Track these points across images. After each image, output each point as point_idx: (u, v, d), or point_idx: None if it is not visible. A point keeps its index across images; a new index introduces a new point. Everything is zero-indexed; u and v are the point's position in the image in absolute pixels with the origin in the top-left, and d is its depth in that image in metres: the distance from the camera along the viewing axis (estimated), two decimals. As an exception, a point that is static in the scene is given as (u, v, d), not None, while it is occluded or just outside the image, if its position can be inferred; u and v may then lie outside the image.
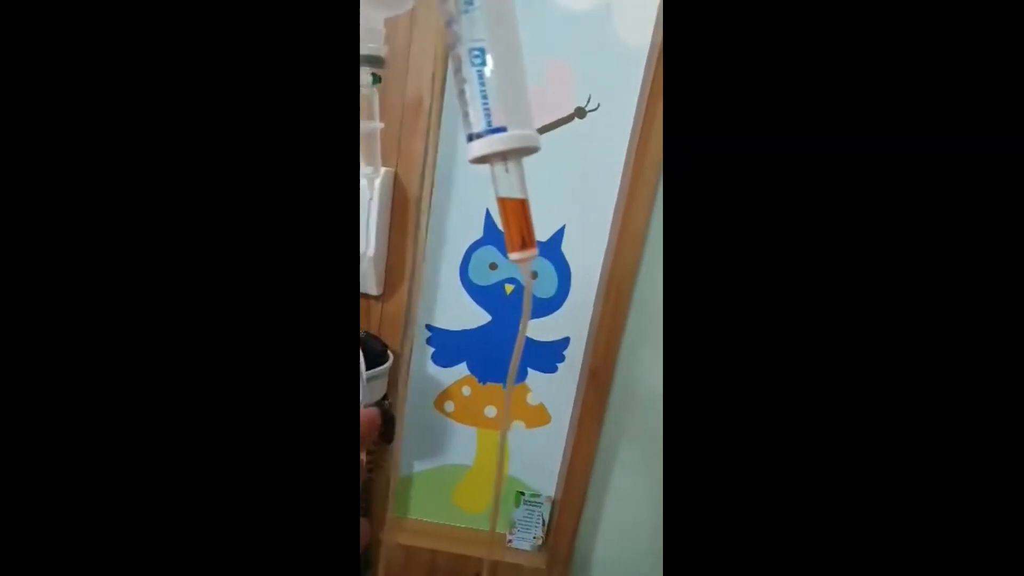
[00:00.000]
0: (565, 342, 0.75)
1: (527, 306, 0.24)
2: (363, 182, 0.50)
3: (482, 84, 0.21)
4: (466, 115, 0.22)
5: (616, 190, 0.68)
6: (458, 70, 0.21)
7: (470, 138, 0.22)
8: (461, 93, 0.21)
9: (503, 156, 0.22)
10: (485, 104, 0.21)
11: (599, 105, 0.66)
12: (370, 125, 0.33)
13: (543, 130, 0.67)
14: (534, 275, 0.72)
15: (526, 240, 0.23)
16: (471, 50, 0.20)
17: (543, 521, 0.79)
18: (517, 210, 0.23)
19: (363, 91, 0.30)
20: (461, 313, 0.74)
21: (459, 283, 0.73)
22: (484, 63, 0.21)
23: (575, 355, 0.75)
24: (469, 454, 0.80)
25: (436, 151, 0.66)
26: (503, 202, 0.23)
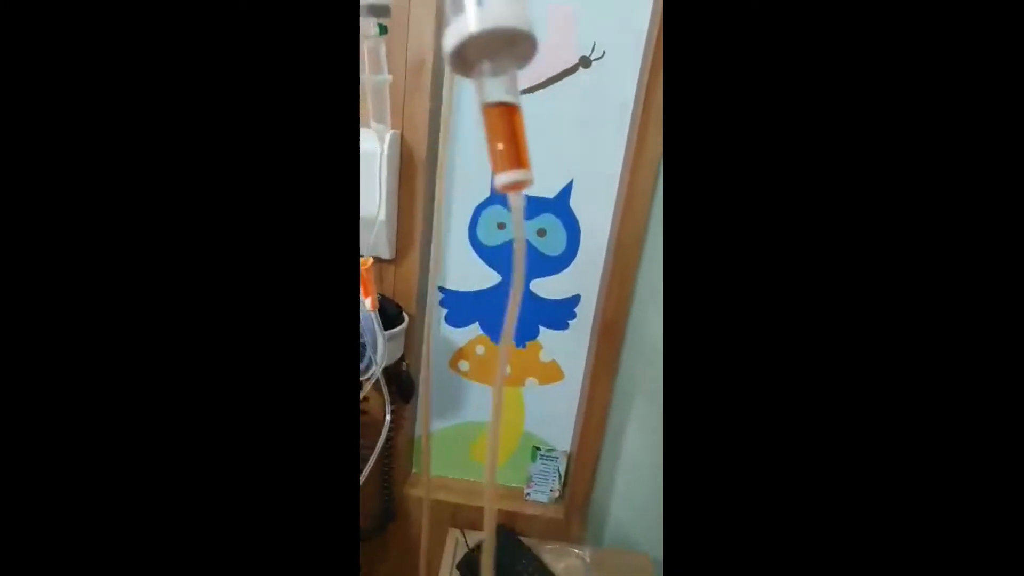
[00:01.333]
0: (576, 299, 0.75)
1: (520, 253, 0.19)
2: (370, 146, 0.49)
3: None
4: (448, 9, 0.18)
5: (624, 142, 0.67)
6: None
7: (448, 27, 0.18)
8: None
9: (491, 51, 0.18)
10: None
11: (604, 53, 0.64)
12: (379, 78, 0.32)
13: (547, 83, 0.65)
14: (542, 232, 0.72)
15: (518, 158, 0.18)
16: None
17: (559, 474, 0.82)
18: (506, 119, 0.18)
19: (370, 42, 0.29)
20: (472, 274, 0.75)
21: (468, 244, 0.73)
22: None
23: (586, 312, 0.75)
24: (485, 411, 0.82)
25: (449, 110, 0.65)
26: (488, 109, 0.18)
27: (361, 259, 0.47)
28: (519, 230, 0.18)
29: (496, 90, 0.18)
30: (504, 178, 0.18)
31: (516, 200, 0.18)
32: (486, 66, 0.18)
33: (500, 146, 0.18)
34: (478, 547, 0.76)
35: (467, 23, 0.17)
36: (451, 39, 0.17)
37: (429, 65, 0.61)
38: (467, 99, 0.67)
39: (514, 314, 0.19)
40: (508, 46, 0.18)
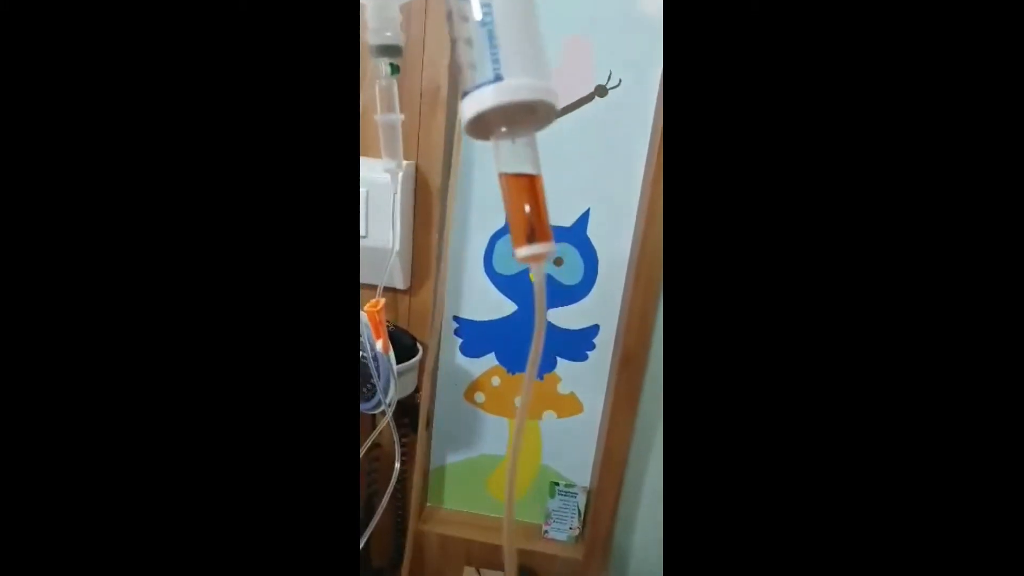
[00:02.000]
0: (595, 329, 0.73)
1: (540, 311, 0.17)
2: (387, 177, 0.49)
3: (490, 24, 0.16)
4: (464, 67, 0.17)
5: (641, 170, 0.66)
6: (456, 15, 0.16)
7: (465, 94, 0.17)
8: (458, 42, 0.16)
9: (509, 118, 0.16)
10: (494, 51, 0.15)
11: (620, 82, 0.63)
12: (391, 117, 0.32)
13: (563, 112, 0.64)
14: (559, 262, 0.70)
15: (536, 230, 0.16)
16: None
17: (579, 511, 0.79)
18: (524, 190, 0.17)
19: (382, 82, 0.29)
20: (487, 303, 0.73)
21: (483, 273, 0.72)
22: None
23: (605, 342, 0.73)
24: (501, 444, 0.80)
25: (460, 141, 0.65)
26: (506, 179, 0.17)
27: (373, 301, 0.46)
28: (540, 300, 0.17)
29: (515, 159, 0.16)
30: (525, 251, 0.17)
31: (538, 271, 0.17)
32: (504, 131, 0.16)
33: (520, 218, 0.16)
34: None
35: (486, 95, 0.16)
36: (469, 109, 0.16)
37: (444, 94, 0.61)
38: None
39: (532, 375, 0.18)
40: (527, 113, 0.16)
